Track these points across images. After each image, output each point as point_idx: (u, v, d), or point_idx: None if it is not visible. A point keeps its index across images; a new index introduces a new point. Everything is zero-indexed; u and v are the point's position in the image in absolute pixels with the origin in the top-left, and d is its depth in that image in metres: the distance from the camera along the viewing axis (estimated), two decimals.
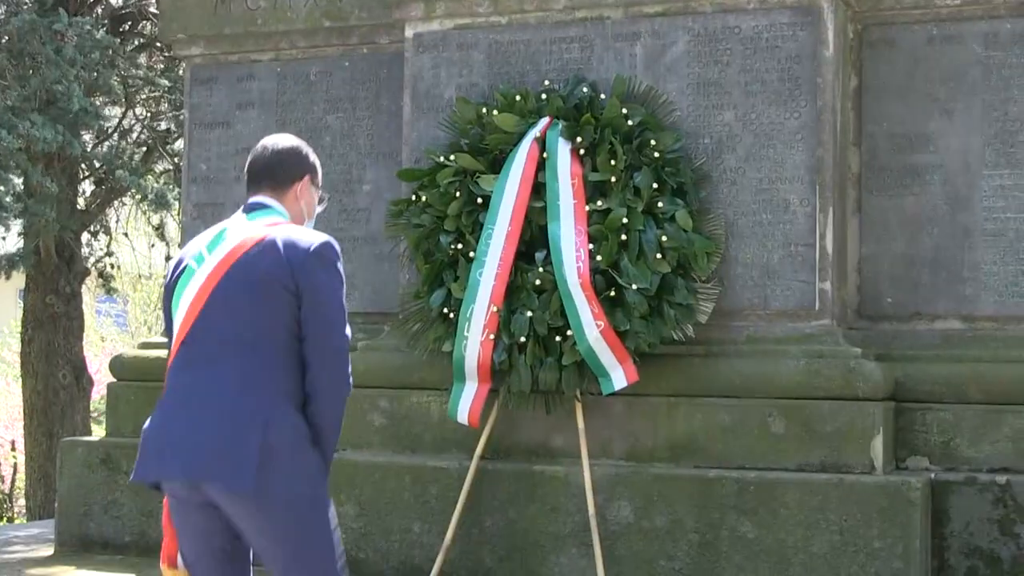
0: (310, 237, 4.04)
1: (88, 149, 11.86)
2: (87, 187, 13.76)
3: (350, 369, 3.99)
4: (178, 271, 4.10)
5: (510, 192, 6.14)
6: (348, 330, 4.03)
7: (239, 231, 4.06)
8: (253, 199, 4.18)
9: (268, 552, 3.95)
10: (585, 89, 6.30)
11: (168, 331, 4.10)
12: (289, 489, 3.91)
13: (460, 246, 6.30)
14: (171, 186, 12.54)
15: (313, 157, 4.28)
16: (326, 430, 4.02)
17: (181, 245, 7.82)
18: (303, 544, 3.97)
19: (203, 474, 3.87)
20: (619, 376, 5.95)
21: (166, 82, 12.22)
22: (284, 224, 4.10)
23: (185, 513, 3.99)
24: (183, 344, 3.98)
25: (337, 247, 4.07)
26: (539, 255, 6.12)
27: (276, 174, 4.19)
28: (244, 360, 3.93)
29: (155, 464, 3.97)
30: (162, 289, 4.24)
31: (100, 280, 14.43)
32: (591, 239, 6.00)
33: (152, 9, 12.48)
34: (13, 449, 16.78)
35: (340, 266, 4.05)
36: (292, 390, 3.98)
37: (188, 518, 4.00)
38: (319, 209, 4.38)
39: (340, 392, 4.02)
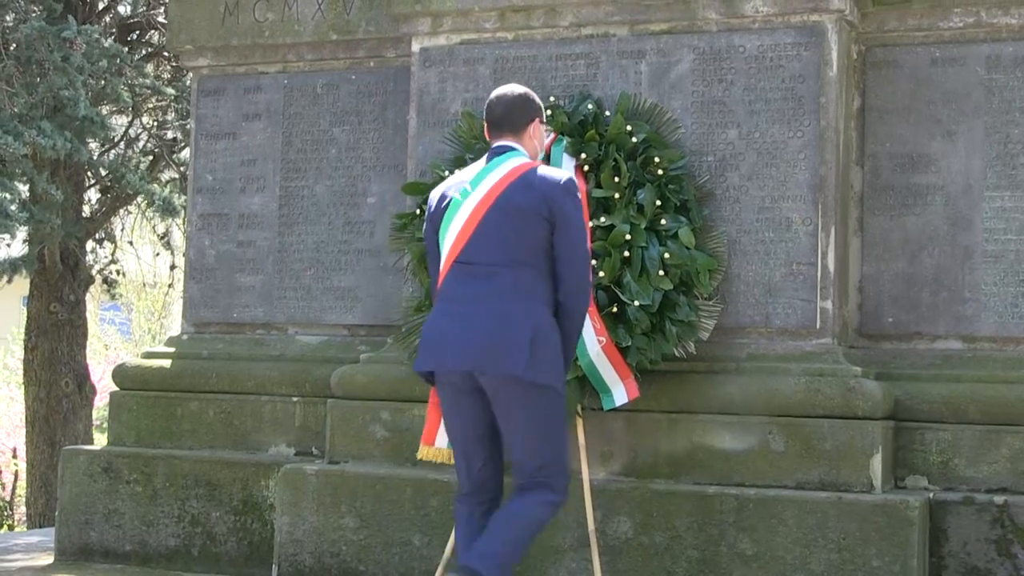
0: (558, 174, 5.05)
1: (94, 157, 11.89)
2: (93, 195, 13.80)
3: (591, 281, 5.10)
4: (444, 203, 5.05)
5: None
6: (589, 246, 5.12)
7: (499, 169, 4.99)
8: (499, 143, 5.11)
9: (514, 433, 4.92)
10: (590, 106, 6.33)
11: (433, 254, 5.10)
12: (546, 380, 4.87)
13: None
14: (178, 194, 12.58)
15: (538, 100, 5.22)
16: (571, 332, 5.04)
17: (186, 255, 7.85)
18: (546, 430, 4.92)
19: (485, 363, 4.84)
20: (620, 392, 5.97)
21: (173, 91, 12.26)
22: (529, 162, 5.05)
23: (456, 399, 4.99)
24: (457, 262, 4.95)
25: (577, 182, 5.10)
26: None
27: (514, 119, 5.13)
28: (513, 274, 4.89)
29: (439, 356, 4.95)
30: (425, 219, 5.25)
31: (104, 286, 14.46)
32: (594, 255, 6.02)
33: (160, 19, 12.52)
34: (15, 457, 16.82)
35: (580, 196, 5.03)
36: (549, 299, 4.95)
37: (458, 404, 4.99)
38: (547, 142, 5.66)
39: (584, 300, 5.07)
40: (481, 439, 5.02)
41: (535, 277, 4.91)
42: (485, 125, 5.19)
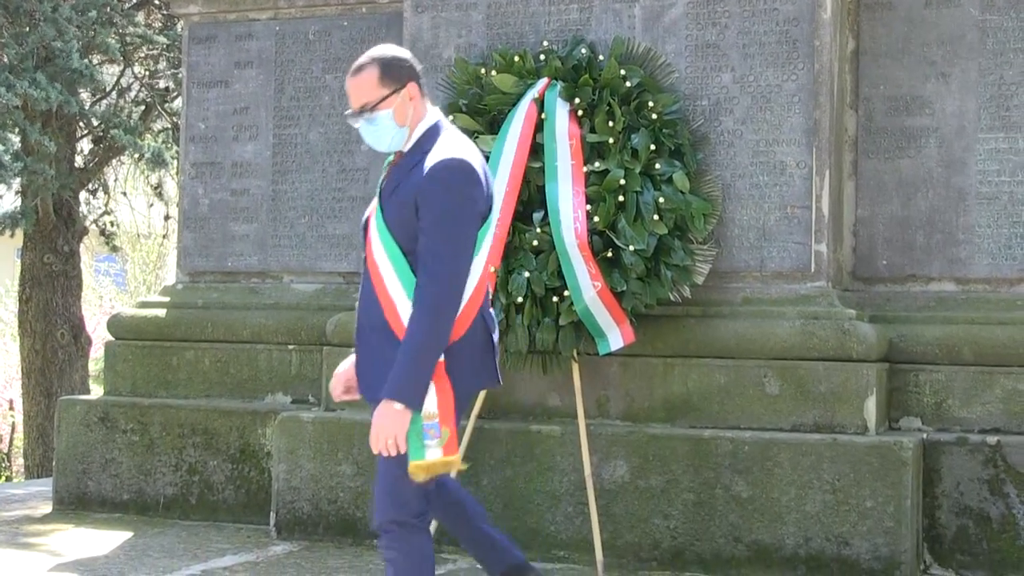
0: None
1: (86, 107, 11.84)
2: (85, 145, 13.75)
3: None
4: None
5: (508, 152, 6.16)
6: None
7: None
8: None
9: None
10: (584, 50, 6.31)
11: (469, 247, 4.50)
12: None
13: None
14: (169, 145, 12.52)
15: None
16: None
17: (179, 205, 7.84)
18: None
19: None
20: (616, 337, 5.99)
21: (164, 40, 12.19)
22: None
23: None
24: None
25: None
26: (537, 215, 6.14)
27: None
28: None
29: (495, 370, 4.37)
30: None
31: (102, 238, 14.44)
32: (589, 200, 6.02)
33: None
34: (11, 408, 16.84)
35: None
36: None
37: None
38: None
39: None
40: None
41: None
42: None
